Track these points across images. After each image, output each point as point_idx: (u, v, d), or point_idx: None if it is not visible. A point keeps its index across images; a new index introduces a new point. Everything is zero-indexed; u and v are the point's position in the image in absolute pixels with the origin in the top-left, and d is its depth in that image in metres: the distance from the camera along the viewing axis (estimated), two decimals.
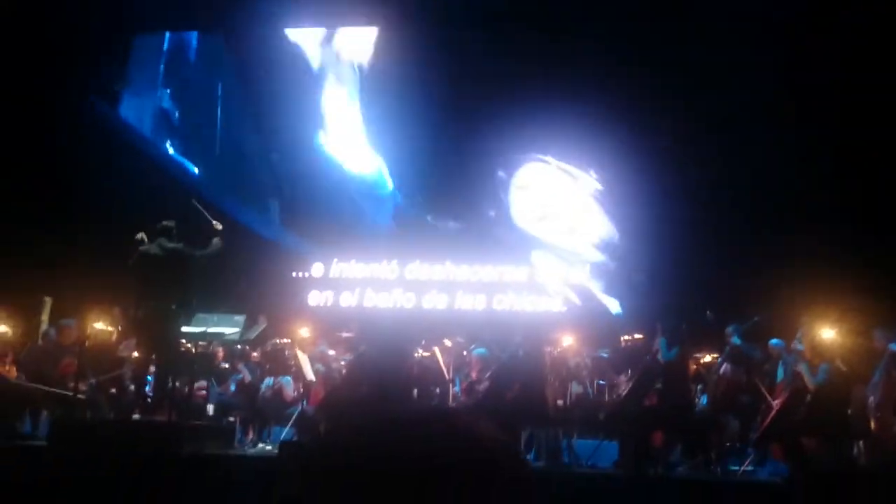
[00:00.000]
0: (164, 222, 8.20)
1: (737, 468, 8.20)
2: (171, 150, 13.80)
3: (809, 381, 7.64)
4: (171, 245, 8.04)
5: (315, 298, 12.63)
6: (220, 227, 8.44)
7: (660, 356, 8.34)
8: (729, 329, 9.12)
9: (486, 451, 0.87)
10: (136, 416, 8.12)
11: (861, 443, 8.05)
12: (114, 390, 9.39)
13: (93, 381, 9.03)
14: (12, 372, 8.65)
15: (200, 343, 9.09)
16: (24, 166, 12.16)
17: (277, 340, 10.32)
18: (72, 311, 9.80)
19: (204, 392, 9.75)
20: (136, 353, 10.00)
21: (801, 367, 7.78)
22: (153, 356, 8.23)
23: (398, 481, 0.82)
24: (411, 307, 12.32)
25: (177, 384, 8.21)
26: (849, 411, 7.78)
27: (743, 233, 11.85)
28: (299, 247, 12.98)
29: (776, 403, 7.99)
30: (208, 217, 8.55)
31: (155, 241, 8.09)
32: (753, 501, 7.30)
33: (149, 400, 8.38)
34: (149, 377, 9.55)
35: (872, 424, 7.85)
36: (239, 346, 10.27)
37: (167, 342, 8.06)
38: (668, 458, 8.30)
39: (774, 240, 11.43)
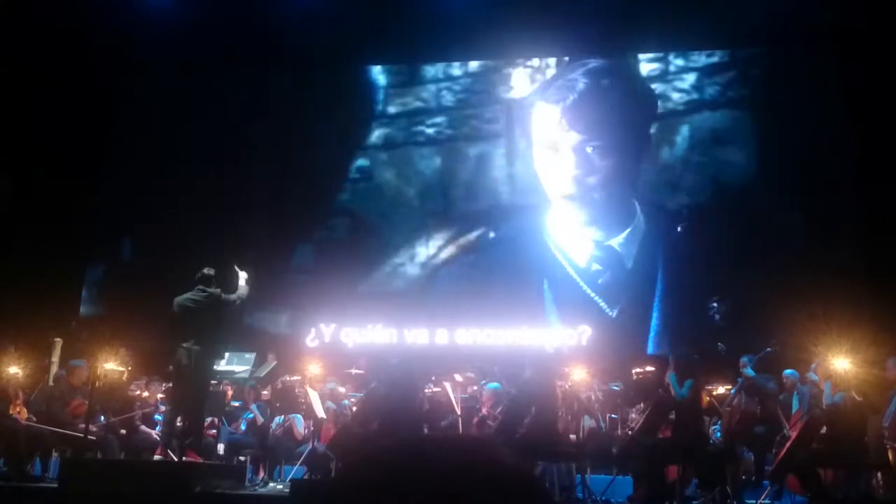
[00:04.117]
0: (206, 270, 8.46)
1: (753, 501, 8.10)
2: None
3: (825, 401, 7.59)
4: (208, 291, 8.28)
5: (318, 335, 12.47)
6: (245, 275, 8.68)
7: (672, 392, 8.27)
8: (743, 360, 9.07)
9: (508, 479, 0.87)
10: (157, 457, 8.17)
11: (879, 474, 7.95)
12: (124, 431, 9.37)
13: (103, 420, 9.04)
14: (23, 413, 8.65)
15: (211, 381, 9.09)
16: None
17: (287, 378, 10.30)
18: (82, 351, 9.81)
19: (214, 431, 9.72)
20: (146, 393, 10.06)
21: (824, 385, 7.74)
22: (182, 399, 8.26)
23: None
24: (422, 342, 12.22)
25: (186, 423, 8.20)
26: (865, 441, 7.70)
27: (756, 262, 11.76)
28: None
29: (791, 434, 7.91)
30: (235, 269, 8.78)
31: (194, 288, 8.33)
32: None
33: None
34: (157, 416, 9.59)
35: (890, 455, 7.75)
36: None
37: (204, 385, 8.25)
38: (684, 493, 8.19)
39: (785, 269, 11.35)
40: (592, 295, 11.77)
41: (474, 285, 12.26)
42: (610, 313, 11.62)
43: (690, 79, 12.66)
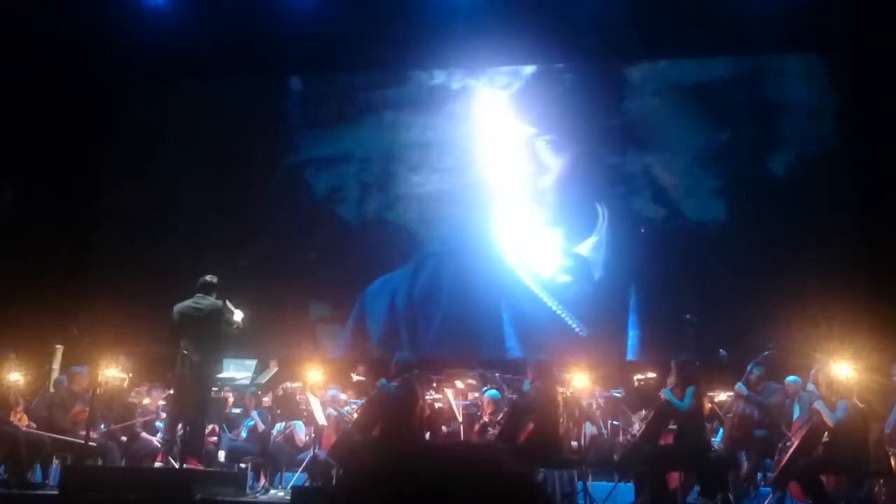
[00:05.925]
0: (208, 277, 8.38)
1: None
2: None
3: (828, 419, 7.51)
4: (209, 299, 8.22)
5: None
6: (241, 316, 8.45)
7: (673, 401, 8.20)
8: (749, 367, 9.02)
9: (510, 485, 0.86)
10: (158, 464, 8.15)
11: (881, 481, 7.93)
12: (125, 437, 9.36)
13: (103, 427, 9.03)
14: (23, 420, 8.63)
15: (212, 388, 9.07)
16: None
17: (289, 384, 10.28)
18: (83, 358, 9.80)
19: (215, 438, 9.71)
20: (147, 400, 10.04)
21: (818, 405, 7.67)
22: (183, 406, 8.22)
23: None
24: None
25: (187, 430, 8.19)
26: (868, 448, 7.67)
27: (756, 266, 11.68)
28: None
29: (794, 441, 7.89)
30: (231, 308, 8.52)
31: (194, 295, 8.25)
32: None
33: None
34: (158, 423, 9.58)
35: (892, 462, 7.73)
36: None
37: (205, 392, 8.23)
38: (686, 500, 8.17)
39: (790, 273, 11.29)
40: (560, 312, 10.28)
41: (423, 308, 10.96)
42: (580, 332, 10.25)
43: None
